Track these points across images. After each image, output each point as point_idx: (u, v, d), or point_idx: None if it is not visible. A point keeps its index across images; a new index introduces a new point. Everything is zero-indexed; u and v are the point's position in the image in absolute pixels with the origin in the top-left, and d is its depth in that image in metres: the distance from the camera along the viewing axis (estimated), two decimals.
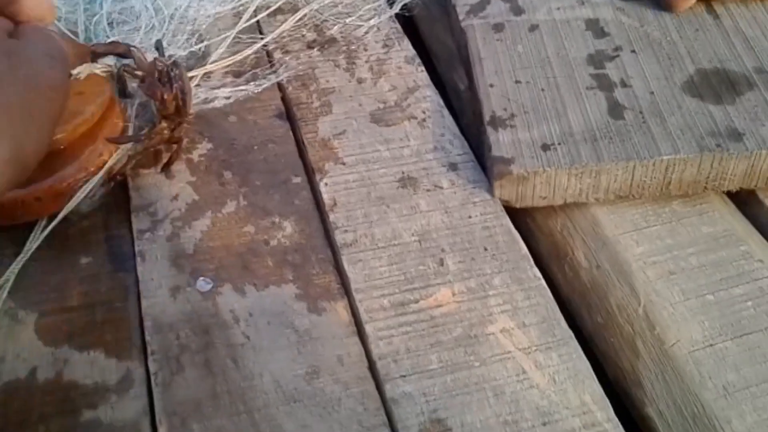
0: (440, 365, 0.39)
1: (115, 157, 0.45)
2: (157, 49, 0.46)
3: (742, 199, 0.50)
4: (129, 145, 0.46)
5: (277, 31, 0.57)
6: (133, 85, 0.45)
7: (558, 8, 0.58)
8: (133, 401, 0.37)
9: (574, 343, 0.41)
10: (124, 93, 0.45)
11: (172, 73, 0.43)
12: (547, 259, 0.48)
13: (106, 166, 0.45)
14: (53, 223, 0.43)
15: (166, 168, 0.47)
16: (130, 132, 0.46)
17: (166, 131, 0.46)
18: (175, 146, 0.46)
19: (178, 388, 0.38)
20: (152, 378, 0.38)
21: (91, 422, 0.36)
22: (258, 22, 0.58)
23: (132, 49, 0.43)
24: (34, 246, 0.42)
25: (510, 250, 0.45)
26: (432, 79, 0.56)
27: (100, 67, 0.47)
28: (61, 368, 0.39)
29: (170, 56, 0.46)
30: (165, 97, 0.43)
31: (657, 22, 0.56)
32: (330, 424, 0.37)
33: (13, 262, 0.42)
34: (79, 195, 0.43)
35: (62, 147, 0.45)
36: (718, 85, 0.51)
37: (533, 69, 0.53)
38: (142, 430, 0.36)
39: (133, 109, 0.47)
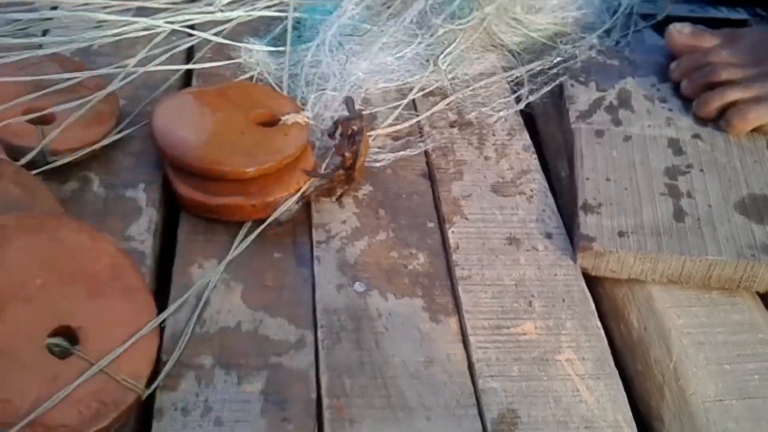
0: (519, 374, 0.55)
1: (306, 185, 0.63)
2: (346, 104, 0.64)
3: None
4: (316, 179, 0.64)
5: (429, 111, 0.74)
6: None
7: (649, 125, 0.73)
8: (305, 356, 0.54)
9: (617, 379, 0.56)
10: (330, 136, 0.63)
11: (357, 137, 0.61)
12: (608, 316, 0.63)
13: (301, 190, 0.62)
14: (263, 227, 0.60)
15: (339, 200, 0.64)
16: (322, 169, 0.64)
17: (342, 176, 0.63)
18: (347, 186, 0.64)
19: (336, 353, 0.54)
20: (319, 343, 0.55)
21: (276, 365, 0.53)
22: (414, 100, 0.75)
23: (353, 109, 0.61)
24: (250, 239, 0.60)
25: (581, 305, 0.60)
26: (541, 163, 0.73)
27: (301, 117, 0.66)
28: (258, 325, 0.56)
29: (359, 111, 0.63)
30: (346, 155, 0.61)
31: (725, 149, 0.72)
32: (437, 398, 0.53)
33: (225, 245, 0.60)
34: (282, 209, 0.61)
35: (272, 173, 0.62)
36: (763, 208, 0.66)
37: (622, 171, 0.69)
38: (309, 377, 0.53)
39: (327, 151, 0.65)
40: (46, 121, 0.63)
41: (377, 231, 0.63)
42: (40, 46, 0.72)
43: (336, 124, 0.63)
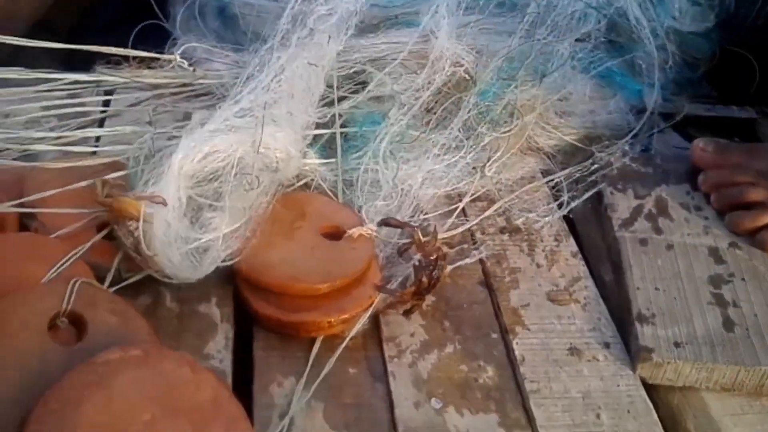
0: None
1: (377, 299, 0.65)
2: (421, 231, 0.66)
3: None
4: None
5: (480, 218, 0.77)
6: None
7: (688, 234, 0.77)
8: None
9: None
10: (401, 254, 0.65)
11: (440, 263, 0.63)
12: (665, 423, 0.65)
13: (373, 305, 0.64)
14: (342, 346, 0.62)
15: (407, 315, 0.66)
16: (391, 283, 0.66)
17: (414, 296, 0.65)
18: (417, 303, 0.66)
19: None
20: None
21: None
22: (464, 206, 0.78)
23: (415, 230, 0.63)
24: (333, 359, 0.61)
25: (645, 416, 0.63)
26: None
27: (366, 230, 0.68)
28: None
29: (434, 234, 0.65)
30: (423, 280, 0.63)
31: (763, 258, 0.75)
32: None
33: (301, 361, 0.61)
34: (358, 326, 0.63)
35: (343, 288, 0.64)
36: None
37: (668, 280, 0.72)
38: None
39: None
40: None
41: (445, 343, 0.65)
42: (94, 153, 0.74)
43: (408, 244, 0.65)
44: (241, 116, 0.68)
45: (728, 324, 0.68)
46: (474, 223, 0.76)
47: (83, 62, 0.84)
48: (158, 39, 0.91)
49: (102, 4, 1.29)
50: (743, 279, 0.73)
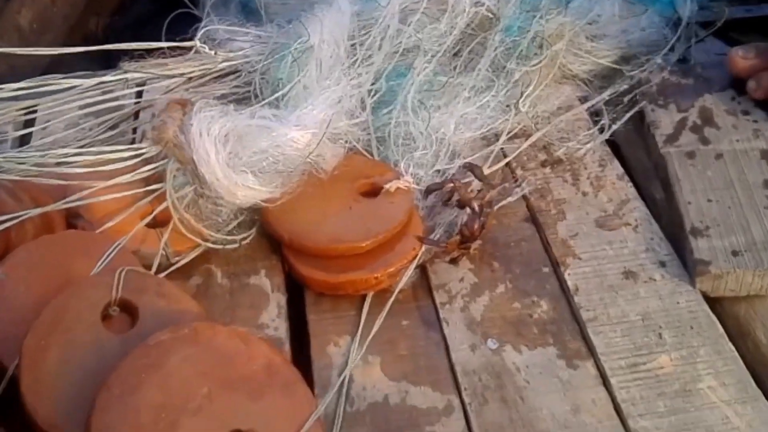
0: (665, 409, 0.56)
1: (422, 250, 0.65)
2: (473, 172, 0.65)
3: None
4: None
5: (516, 153, 0.76)
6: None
7: (737, 140, 0.74)
8: (456, 422, 0.56)
9: (763, 400, 0.57)
10: (445, 204, 0.64)
11: (486, 210, 0.62)
12: (733, 335, 0.64)
13: (418, 257, 0.64)
14: (390, 300, 0.62)
15: (454, 262, 0.66)
16: (433, 234, 0.66)
17: (460, 246, 0.65)
18: (465, 251, 0.65)
19: (486, 414, 0.56)
20: (467, 407, 0.56)
21: None
22: (502, 146, 0.77)
23: (458, 186, 0.63)
24: (383, 314, 0.61)
25: (710, 329, 0.61)
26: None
27: (402, 182, 0.68)
28: (404, 396, 0.57)
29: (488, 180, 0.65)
30: (474, 229, 0.62)
31: None
32: None
33: (354, 319, 0.62)
34: (405, 278, 0.63)
35: (386, 242, 0.64)
36: None
37: (721, 190, 0.70)
38: None
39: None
40: (162, 222, 0.65)
41: (495, 284, 0.65)
42: (133, 141, 0.75)
43: (452, 191, 0.65)
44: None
45: None
46: (511, 158, 0.75)
47: (118, 58, 0.85)
48: (191, 27, 0.92)
49: (132, 1, 1.32)
50: None
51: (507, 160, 0.75)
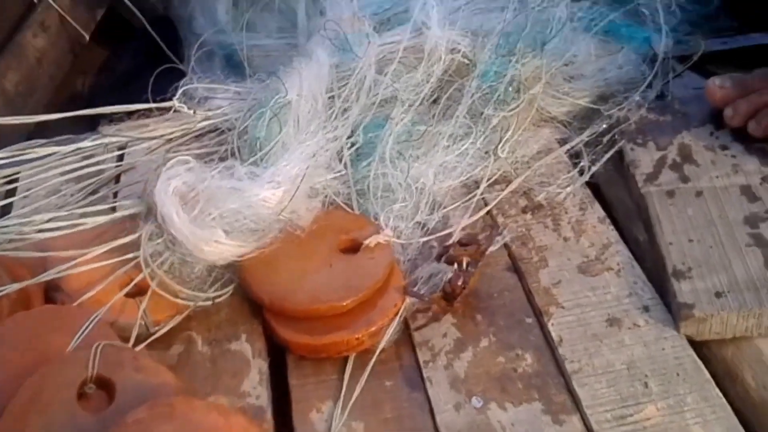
0: None
1: (404, 306, 0.64)
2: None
3: None
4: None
5: (496, 200, 0.76)
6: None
7: (717, 176, 0.74)
8: None
9: None
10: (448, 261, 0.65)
11: (471, 268, 0.62)
12: (722, 380, 0.63)
13: (399, 313, 0.64)
14: (372, 361, 0.61)
15: (437, 318, 0.65)
16: (415, 286, 0.65)
17: (443, 302, 0.64)
18: (447, 307, 0.65)
19: None
20: None
21: None
22: (482, 192, 0.77)
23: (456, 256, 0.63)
24: (364, 377, 0.61)
25: (696, 375, 0.60)
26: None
27: (382, 237, 0.67)
28: None
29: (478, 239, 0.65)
30: (457, 287, 0.62)
31: None
32: None
33: (336, 383, 0.61)
34: (387, 337, 0.62)
35: (367, 299, 0.64)
36: None
37: (702, 229, 0.69)
38: None
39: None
40: (139, 291, 0.65)
41: (479, 338, 0.64)
42: (113, 210, 0.75)
43: (446, 248, 0.64)
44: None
45: None
46: (491, 206, 0.75)
47: (105, 117, 0.86)
48: (178, 82, 0.92)
49: (118, 59, 1.32)
50: None
51: (488, 208, 0.75)
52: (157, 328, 0.64)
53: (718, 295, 0.64)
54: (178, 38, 1.23)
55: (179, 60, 1.12)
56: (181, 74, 0.97)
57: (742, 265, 0.66)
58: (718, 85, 0.79)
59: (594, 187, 0.79)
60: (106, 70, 1.31)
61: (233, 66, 1.14)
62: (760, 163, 0.74)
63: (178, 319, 0.64)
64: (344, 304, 0.63)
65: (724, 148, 0.77)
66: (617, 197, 0.78)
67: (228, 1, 1.21)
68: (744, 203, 0.71)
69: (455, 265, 0.64)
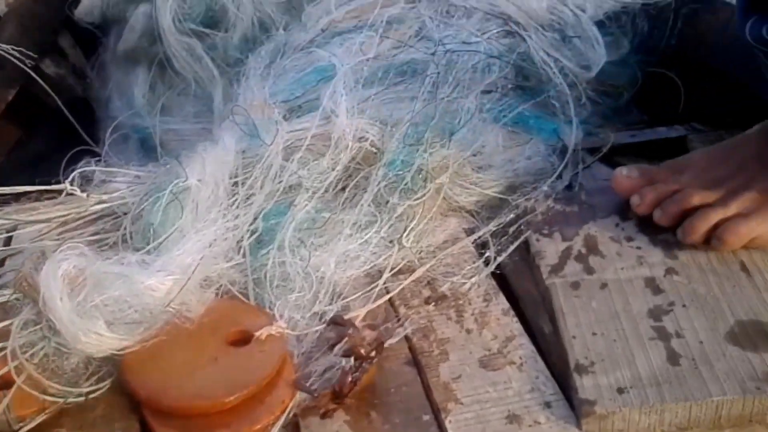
0: None
1: (293, 403, 0.60)
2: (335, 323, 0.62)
3: None
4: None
5: (397, 289, 0.73)
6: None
7: (622, 268, 0.73)
8: None
9: None
10: (345, 354, 0.61)
11: (365, 365, 0.59)
12: None
13: (287, 411, 0.60)
14: None
15: (326, 416, 0.61)
16: (308, 380, 0.62)
17: (332, 399, 0.61)
18: (337, 405, 0.61)
19: None
20: None
21: None
22: (386, 281, 0.74)
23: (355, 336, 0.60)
24: None
25: None
26: (521, 322, 0.71)
27: (274, 329, 0.64)
28: None
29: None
30: (345, 385, 0.59)
31: (702, 279, 0.71)
32: None
33: None
34: None
35: (255, 395, 0.60)
36: (754, 334, 0.65)
37: (606, 322, 0.68)
38: None
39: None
40: (5, 384, 0.60)
41: None
42: None
43: (342, 336, 0.61)
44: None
45: (673, 357, 0.64)
46: (391, 295, 0.72)
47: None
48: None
49: (30, 138, 1.29)
50: (684, 305, 0.69)
51: (384, 298, 0.72)
52: (21, 424, 0.59)
53: (620, 390, 0.62)
54: (95, 120, 1.21)
55: (95, 142, 1.10)
56: (96, 156, 0.95)
57: (645, 359, 0.64)
58: (625, 175, 0.79)
59: (501, 278, 0.77)
60: (17, 150, 1.27)
61: (148, 149, 1.12)
62: (664, 255, 0.74)
63: (46, 415, 0.59)
64: (228, 400, 0.59)
65: (629, 239, 0.76)
66: (524, 288, 0.76)
67: (145, 85, 1.20)
68: (648, 295, 0.70)
69: (351, 360, 0.60)
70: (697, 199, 0.74)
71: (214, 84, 1.14)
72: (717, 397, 0.60)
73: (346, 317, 0.64)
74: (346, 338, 0.60)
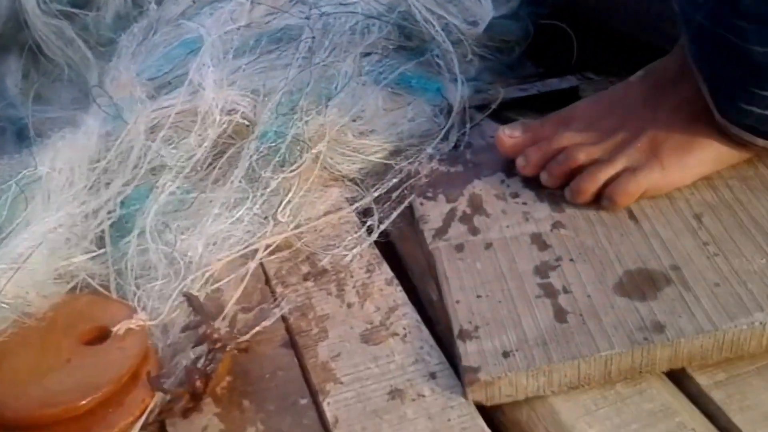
0: None
1: (154, 401, 0.56)
2: (190, 303, 0.57)
3: (676, 374, 0.60)
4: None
5: (275, 267, 0.69)
6: None
7: (507, 226, 0.70)
8: None
9: None
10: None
11: (217, 356, 0.54)
12: None
13: (149, 409, 0.55)
14: None
15: (187, 415, 0.57)
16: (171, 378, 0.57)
17: (186, 399, 0.56)
18: (194, 403, 0.56)
19: None
20: None
21: None
22: (262, 262, 0.70)
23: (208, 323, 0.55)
24: None
25: None
26: (411, 290, 0.68)
27: (134, 322, 0.59)
28: None
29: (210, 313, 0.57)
30: (194, 386, 0.54)
31: (589, 230, 0.68)
32: None
33: None
34: None
35: (113, 396, 0.55)
36: (642, 283, 0.63)
37: (491, 283, 0.64)
38: None
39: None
40: None
41: (244, 427, 0.56)
42: None
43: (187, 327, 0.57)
44: None
45: (560, 314, 0.61)
46: (270, 275, 0.68)
47: None
48: None
49: None
50: (571, 259, 0.66)
51: (265, 280, 0.68)
52: None
53: (505, 354, 0.58)
54: None
55: None
56: None
57: (531, 319, 0.61)
58: (507, 134, 0.76)
59: (388, 246, 0.73)
60: None
61: (24, 140, 1.05)
62: (551, 209, 0.71)
63: None
64: (81, 404, 0.54)
65: (515, 195, 0.73)
66: (411, 255, 0.73)
67: (18, 73, 1.13)
68: (534, 252, 0.67)
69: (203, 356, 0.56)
70: (582, 156, 0.71)
71: (88, 67, 1.07)
72: (605, 351, 0.57)
73: (201, 301, 0.59)
74: (202, 326, 0.56)
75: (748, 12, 0.63)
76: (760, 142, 0.69)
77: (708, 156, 0.70)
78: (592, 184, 0.70)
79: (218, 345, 0.56)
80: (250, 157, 0.75)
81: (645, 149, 0.70)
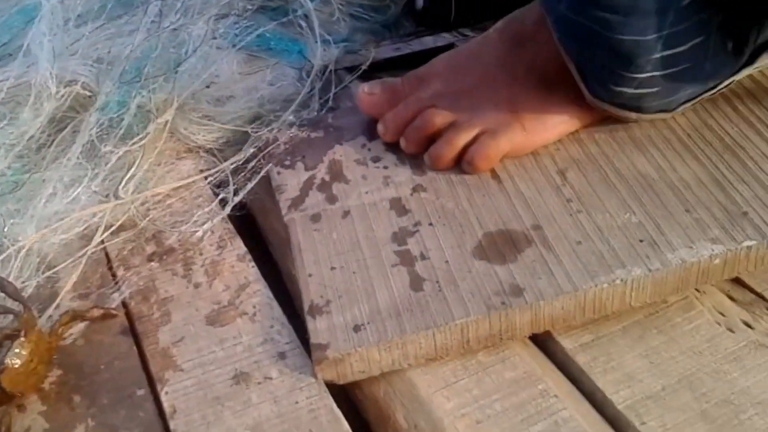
0: None
1: None
2: (9, 295, 0.52)
3: (542, 339, 0.57)
4: None
5: (117, 248, 0.63)
6: None
7: (366, 192, 0.66)
8: None
9: None
10: None
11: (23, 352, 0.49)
12: (375, 425, 0.54)
13: None
14: None
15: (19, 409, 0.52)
16: None
17: None
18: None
19: None
20: None
21: None
22: (103, 241, 0.64)
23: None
24: None
25: (333, 427, 0.51)
26: (271, 265, 0.64)
27: None
28: None
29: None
30: None
31: (450, 192, 0.65)
32: None
33: None
34: None
35: None
36: (502, 245, 0.60)
37: (346, 254, 0.60)
38: None
39: None
40: None
41: (73, 426, 0.52)
42: None
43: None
44: None
45: (416, 282, 0.58)
46: (113, 257, 0.63)
47: None
48: None
49: None
50: (431, 224, 0.62)
51: (106, 262, 0.63)
52: None
53: (356, 328, 0.55)
54: None
55: None
56: None
57: (386, 289, 0.57)
58: (366, 92, 0.72)
59: (247, 219, 0.69)
60: None
61: None
62: (413, 172, 0.67)
63: None
64: None
65: (376, 159, 0.69)
66: (272, 228, 0.68)
67: None
68: (393, 218, 0.63)
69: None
70: (439, 120, 0.67)
71: None
72: (460, 319, 0.54)
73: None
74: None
75: (609, 3, 0.60)
76: (633, 116, 0.66)
77: (569, 115, 0.67)
78: (449, 151, 0.66)
79: (25, 341, 0.50)
80: (90, 130, 0.69)
81: (504, 110, 0.67)
